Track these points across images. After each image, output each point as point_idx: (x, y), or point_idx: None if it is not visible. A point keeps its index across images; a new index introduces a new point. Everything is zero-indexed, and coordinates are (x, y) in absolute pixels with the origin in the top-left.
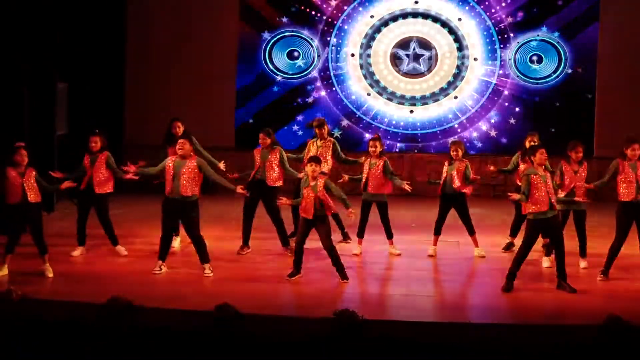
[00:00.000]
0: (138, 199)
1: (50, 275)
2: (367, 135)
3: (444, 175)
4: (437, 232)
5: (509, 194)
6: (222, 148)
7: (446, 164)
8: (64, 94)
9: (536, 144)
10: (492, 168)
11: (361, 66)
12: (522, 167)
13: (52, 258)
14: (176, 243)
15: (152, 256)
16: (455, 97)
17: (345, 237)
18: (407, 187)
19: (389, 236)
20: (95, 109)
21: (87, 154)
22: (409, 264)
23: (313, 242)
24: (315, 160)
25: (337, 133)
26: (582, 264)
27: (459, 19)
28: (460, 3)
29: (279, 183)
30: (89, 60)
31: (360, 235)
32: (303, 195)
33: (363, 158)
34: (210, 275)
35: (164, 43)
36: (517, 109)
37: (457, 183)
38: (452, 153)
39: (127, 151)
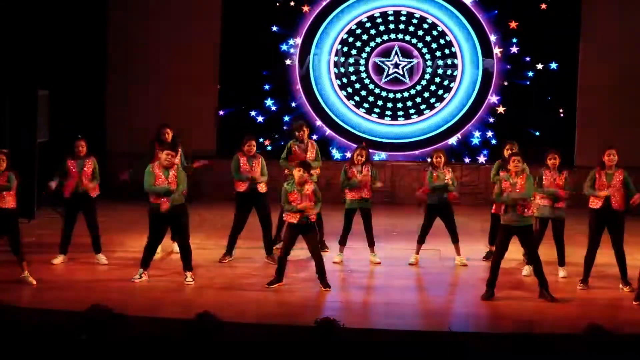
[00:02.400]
0: (116, 207)
1: (34, 283)
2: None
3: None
4: (421, 240)
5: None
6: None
7: (429, 172)
8: (45, 101)
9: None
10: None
11: (342, 75)
12: (501, 175)
13: (32, 266)
14: (174, 247)
15: (134, 264)
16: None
17: (322, 246)
18: (380, 184)
19: (371, 244)
20: (77, 116)
21: (72, 160)
22: (390, 272)
23: (294, 250)
24: (304, 165)
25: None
26: (561, 273)
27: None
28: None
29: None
30: (70, 67)
31: (343, 242)
32: (288, 200)
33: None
34: (191, 283)
35: (146, 49)
36: (496, 119)
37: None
38: (434, 160)
39: (109, 158)
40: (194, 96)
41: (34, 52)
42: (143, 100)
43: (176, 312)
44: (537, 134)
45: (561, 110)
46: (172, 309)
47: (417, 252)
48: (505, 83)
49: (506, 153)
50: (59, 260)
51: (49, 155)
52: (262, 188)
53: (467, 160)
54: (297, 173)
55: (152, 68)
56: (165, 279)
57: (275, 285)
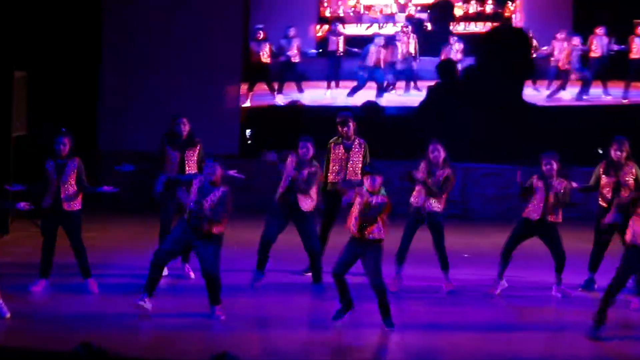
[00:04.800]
0: (111, 220)
1: (7, 314)
2: None
3: None
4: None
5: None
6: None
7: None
8: (23, 85)
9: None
10: (574, 185)
11: None
12: (604, 181)
13: (6, 293)
14: (190, 272)
15: (133, 291)
16: None
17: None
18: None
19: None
20: (61, 105)
21: (51, 160)
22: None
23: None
24: (374, 171)
25: None
26: None
27: None
28: None
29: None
30: (55, 44)
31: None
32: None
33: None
34: (220, 319)
35: (149, 25)
36: None
37: None
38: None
39: (100, 160)
40: (212, 86)
41: (9, 23)
42: (147, 89)
43: (188, 352)
44: None
45: None
46: (182, 348)
47: (500, 276)
48: None
49: (614, 154)
50: (39, 286)
51: (26, 153)
52: (306, 205)
53: None
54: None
55: (159, 48)
56: (175, 310)
57: (343, 318)
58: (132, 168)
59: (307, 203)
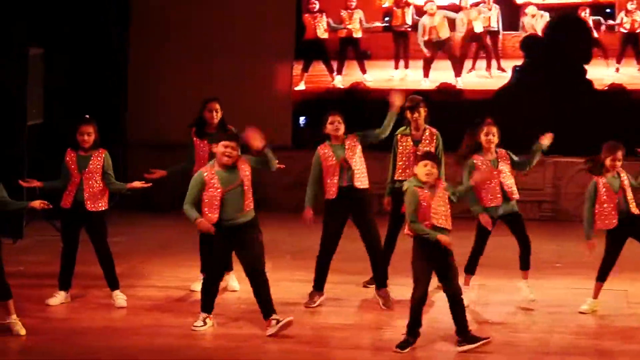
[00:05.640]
0: (141, 222)
1: (22, 332)
2: None
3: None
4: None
5: None
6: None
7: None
8: (39, 64)
9: None
10: None
11: None
12: None
13: (20, 308)
14: (234, 282)
15: (166, 306)
16: None
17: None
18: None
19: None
20: (83, 89)
21: (73, 152)
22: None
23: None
24: (431, 157)
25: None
26: None
27: None
28: None
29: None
30: (75, 15)
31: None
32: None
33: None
34: (286, 322)
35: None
36: None
37: None
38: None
39: (129, 152)
40: (261, 68)
41: None
42: (182, 71)
43: None
44: None
45: None
46: None
47: (596, 296)
48: None
49: None
50: (57, 300)
51: (44, 145)
52: (361, 183)
53: None
54: (422, 169)
55: (196, 25)
56: (215, 330)
57: (408, 350)
58: (163, 174)
59: (365, 179)
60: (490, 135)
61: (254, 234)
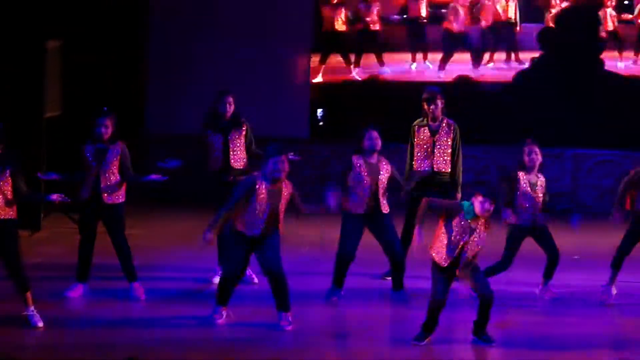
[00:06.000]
0: (159, 215)
1: (40, 325)
2: None
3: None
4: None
5: None
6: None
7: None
8: (57, 57)
9: None
10: None
11: None
12: None
13: (38, 300)
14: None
15: (185, 298)
16: None
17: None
18: None
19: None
20: (102, 81)
21: (90, 145)
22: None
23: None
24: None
25: None
26: None
27: None
28: None
29: None
30: (93, 6)
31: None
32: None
33: None
34: (288, 329)
35: None
36: None
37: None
38: None
39: (149, 145)
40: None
41: None
42: (201, 63)
43: None
44: None
45: None
46: None
47: (612, 282)
48: None
49: None
50: (76, 291)
51: (61, 138)
52: (386, 207)
53: None
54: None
55: (215, 17)
56: (236, 320)
57: (425, 342)
58: (178, 164)
59: (387, 205)
60: (532, 154)
61: (274, 237)
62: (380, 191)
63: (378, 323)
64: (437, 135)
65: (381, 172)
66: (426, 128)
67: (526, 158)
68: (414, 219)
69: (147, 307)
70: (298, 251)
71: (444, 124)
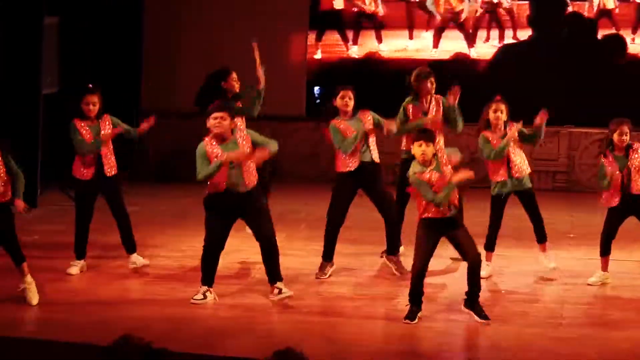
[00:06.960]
0: (156, 191)
1: (35, 301)
2: None
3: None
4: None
5: None
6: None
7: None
8: (54, 33)
9: None
10: None
11: None
12: None
13: (34, 277)
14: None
15: (181, 276)
16: None
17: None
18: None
19: (542, 239)
20: (97, 57)
21: (83, 122)
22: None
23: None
24: (423, 136)
25: None
26: None
27: None
28: None
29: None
30: None
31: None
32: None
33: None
34: (286, 296)
35: None
36: None
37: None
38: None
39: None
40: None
41: None
42: (196, 40)
43: (244, 348)
44: None
45: None
46: (238, 343)
47: (605, 269)
48: None
49: None
50: (75, 269)
51: (58, 114)
52: (375, 157)
53: None
54: (417, 150)
55: None
56: (229, 300)
57: (417, 320)
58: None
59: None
60: (498, 112)
61: (260, 202)
62: (370, 139)
63: (372, 301)
64: (428, 114)
65: (368, 126)
66: (417, 107)
67: (491, 115)
68: (404, 195)
69: (143, 284)
70: (296, 229)
71: (432, 102)
